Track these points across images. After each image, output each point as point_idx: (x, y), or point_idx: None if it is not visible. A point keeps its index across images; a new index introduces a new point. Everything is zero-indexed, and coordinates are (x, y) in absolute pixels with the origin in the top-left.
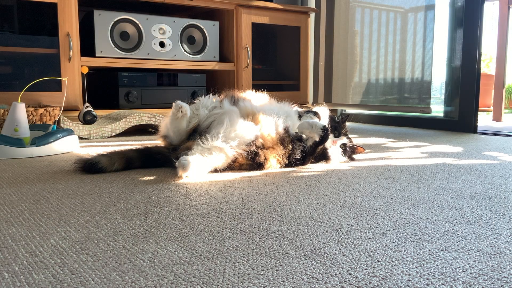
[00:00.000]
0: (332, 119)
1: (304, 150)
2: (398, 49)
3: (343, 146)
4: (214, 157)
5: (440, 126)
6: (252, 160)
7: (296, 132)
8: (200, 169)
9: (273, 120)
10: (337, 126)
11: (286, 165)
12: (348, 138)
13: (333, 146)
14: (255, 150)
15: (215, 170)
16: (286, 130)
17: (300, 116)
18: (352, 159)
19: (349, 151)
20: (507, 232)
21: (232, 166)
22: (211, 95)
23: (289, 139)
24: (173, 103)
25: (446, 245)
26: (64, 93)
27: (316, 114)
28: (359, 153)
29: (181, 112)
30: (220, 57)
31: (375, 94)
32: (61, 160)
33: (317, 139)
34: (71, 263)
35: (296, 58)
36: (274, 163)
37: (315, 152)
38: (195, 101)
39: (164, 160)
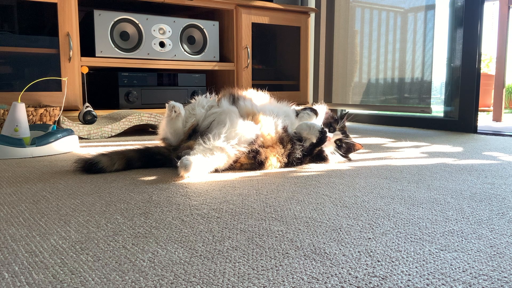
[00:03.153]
0: (328, 115)
1: (303, 149)
2: (398, 49)
3: (338, 141)
4: (216, 157)
5: (440, 126)
6: (253, 159)
7: (295, 132)
8: (202, 169)
9: (272, 119)
10: (332, 122)
11: (286, 164)
12: (345, 134)
13: (328, 143)
14: (257, 149)
15: (216, 170)
16: (285, 129)
17: (297, 114)
18: (346, 157)
19: (345, 147)
20: (507, 232)
21: (233, 166)
22: (207, 94)
23: (288, 138)
24: (166, 104)
25: (446, 245)
26: (64, 93)
27: (313, 110)
28: (357, 149)
29: (175, 112)
30: (220, 57)
31: (375, 94)
32: (61, 160)
33: (314, 141)
34: (71, 263)
35: (296, 58)
36: (274, 161)
37: (313, 153)
38: (191, 101)
39: (164, 161)
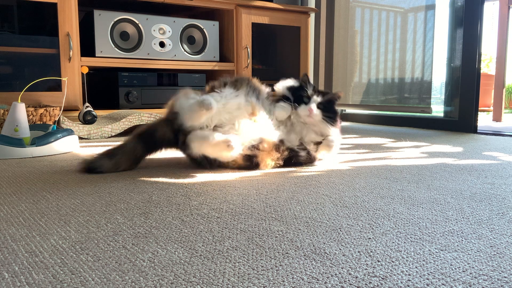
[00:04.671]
0: (292, 89)
1: (305, 154)
2: (398, 48)
3: (320, 105)
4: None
5: (440, 126)
6: (250, 161)
7: (300, 143)
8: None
9: (272, 123)
10: (301, 93)
11: (283, 165)
12: (320, 93)
13: (312, 114)
14: (256, 153)
15: (213, 160)
16: (282, 141)
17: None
18: (333, 122)
19: (328, 104)
20: (507, 232)
21: (229, 165)
22: (231, 89)
23: (285, 147)
24: (200, 98)
25: (446, 245)
26: (64, 93)
27: (286, 100)
28: (339, 97)
29: (208, 110)
30: (220, 57)
31: (375, 94)
32: (61, 160)
33: (321, 158)
34: (71, 263)
35: (296, 58)
36: (269, 161)
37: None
38: (218, 91)
39: (167, 146)
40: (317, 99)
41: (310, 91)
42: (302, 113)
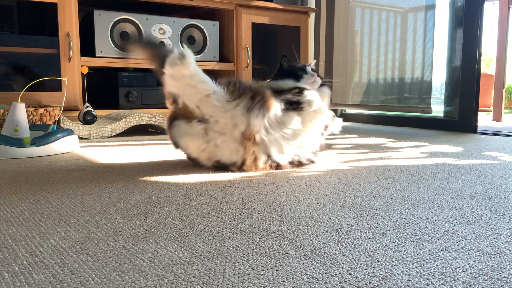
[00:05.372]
0: (281, 75)
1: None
2: (398, 48)
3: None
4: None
5: (440, 126)
6: (224, 170)
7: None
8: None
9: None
10: (294, 71)
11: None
12: (311, 71)
13: (315, 81)
14: (230, 167)
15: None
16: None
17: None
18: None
19: (315, 71)
20: (507, 232)
21: (200, 165)
22: (228, 95)
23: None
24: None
25: (446, 245)
26: (64, 93)
27: (286, 91)
28: (316, 63)
29: (181, 61)
30: (220, 57)
31: (375, 94)
32: (61, 160)
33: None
34: (71, 263)
35: (296, 58)
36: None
37: None
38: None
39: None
40: (309, 67)
41: (299, 65)
42: (308, 82)
